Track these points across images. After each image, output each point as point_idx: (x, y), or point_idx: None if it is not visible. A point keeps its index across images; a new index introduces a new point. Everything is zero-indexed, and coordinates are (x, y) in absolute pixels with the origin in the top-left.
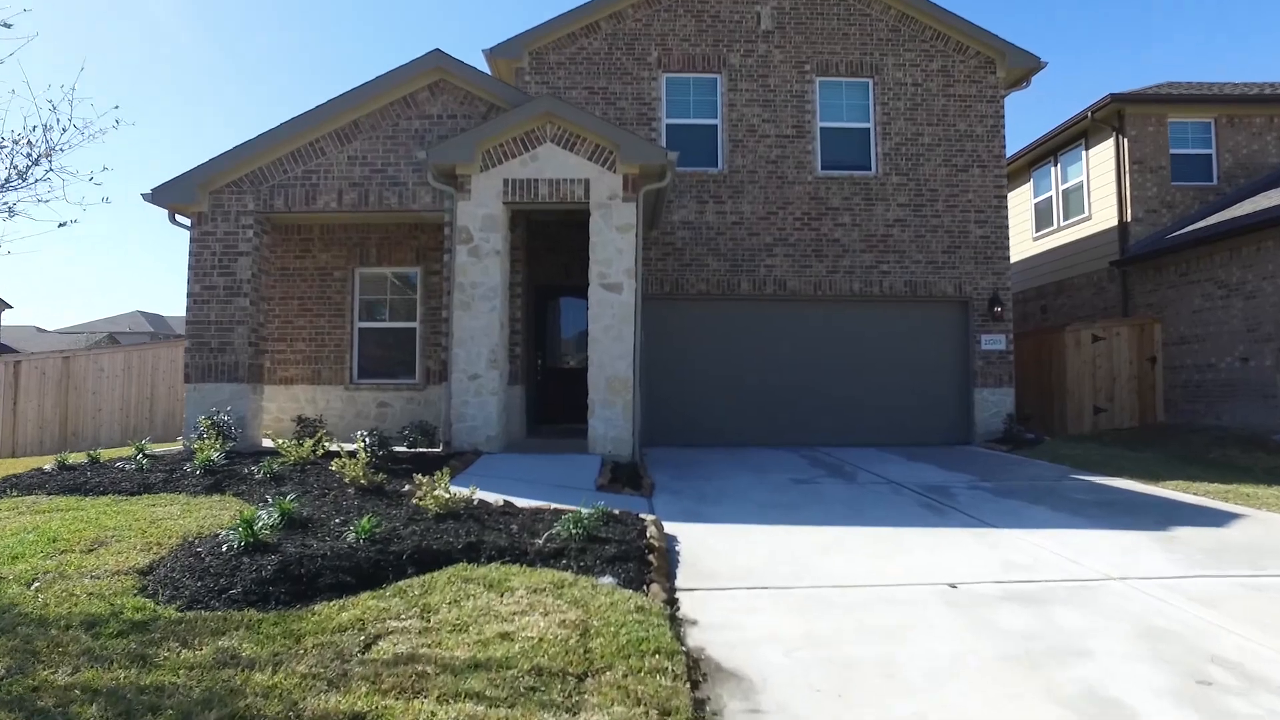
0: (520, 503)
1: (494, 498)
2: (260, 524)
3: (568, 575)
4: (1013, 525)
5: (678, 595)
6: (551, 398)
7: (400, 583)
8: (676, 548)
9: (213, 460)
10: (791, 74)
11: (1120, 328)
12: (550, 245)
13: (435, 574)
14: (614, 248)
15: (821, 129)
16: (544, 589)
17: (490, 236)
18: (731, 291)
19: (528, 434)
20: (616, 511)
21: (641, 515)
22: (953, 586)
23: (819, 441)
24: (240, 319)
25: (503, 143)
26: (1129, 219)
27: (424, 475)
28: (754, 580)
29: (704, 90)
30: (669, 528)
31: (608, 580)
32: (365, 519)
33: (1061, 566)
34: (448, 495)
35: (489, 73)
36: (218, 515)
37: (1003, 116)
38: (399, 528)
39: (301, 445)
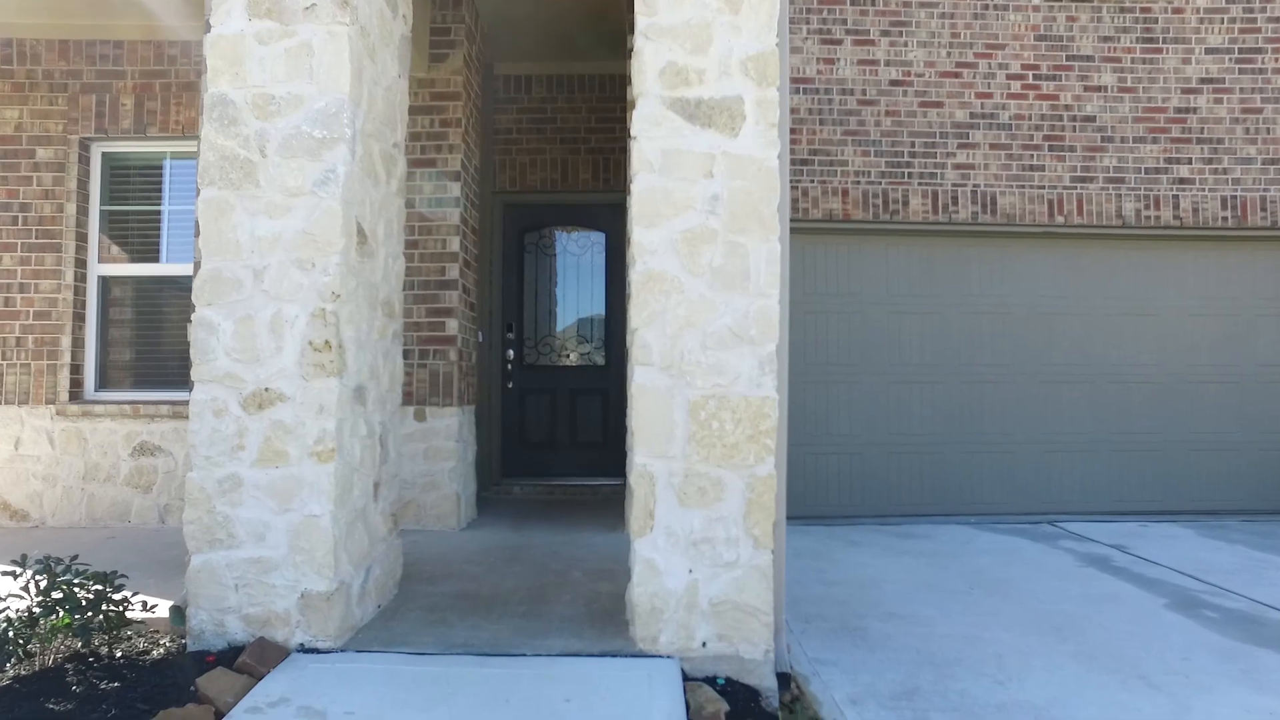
0: None
1: None
2: None
3: None
4: None
5: None
6: (534, 425)
7: None
8: None
9: None
10: None
11: None
12: (533, 125)
13: None
14: None
15: None
16: None
17: None
18: (888, 215)
19: (479, 511)
20: None
21: None
22: None
23: (1061, 507)
24: None
25: None
26: None
27: None
28: None
29: None
30: None
31: None
32: None
33: None
34: None
35: None
36: None
37: None
38: None
39: None
